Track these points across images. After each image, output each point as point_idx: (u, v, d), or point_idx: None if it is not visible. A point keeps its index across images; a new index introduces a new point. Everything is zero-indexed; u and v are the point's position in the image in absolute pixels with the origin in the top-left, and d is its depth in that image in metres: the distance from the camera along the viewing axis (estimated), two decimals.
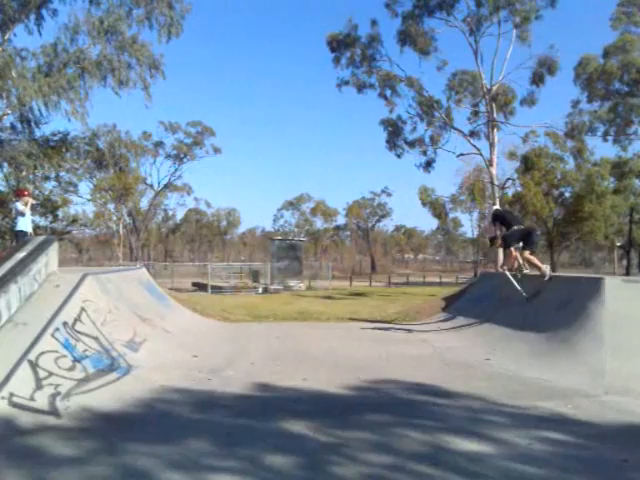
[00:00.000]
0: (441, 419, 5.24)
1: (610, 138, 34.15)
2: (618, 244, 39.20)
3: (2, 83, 22.45)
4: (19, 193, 12.56)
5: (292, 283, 32.12)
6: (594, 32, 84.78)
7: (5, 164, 28.96)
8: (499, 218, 11.37)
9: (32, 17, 24.49)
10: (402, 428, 4.94)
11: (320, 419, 5.20)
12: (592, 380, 6.51)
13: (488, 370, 7.72)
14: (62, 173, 31.69)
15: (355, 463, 4.12)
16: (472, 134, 33.08)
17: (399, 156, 34.05)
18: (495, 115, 30.60)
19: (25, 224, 11.64)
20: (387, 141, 33.99)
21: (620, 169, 43.42)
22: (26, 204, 11.77)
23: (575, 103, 33.78)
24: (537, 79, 30.95)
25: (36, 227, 12.40)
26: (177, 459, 4.15)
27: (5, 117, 26.25)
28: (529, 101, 32.05)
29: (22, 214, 11.65)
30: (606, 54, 31.93)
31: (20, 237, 11.15)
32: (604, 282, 8.24)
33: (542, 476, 3.94)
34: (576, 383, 6.54)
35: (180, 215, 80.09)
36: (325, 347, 9.69)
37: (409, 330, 12.01)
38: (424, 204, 59.90)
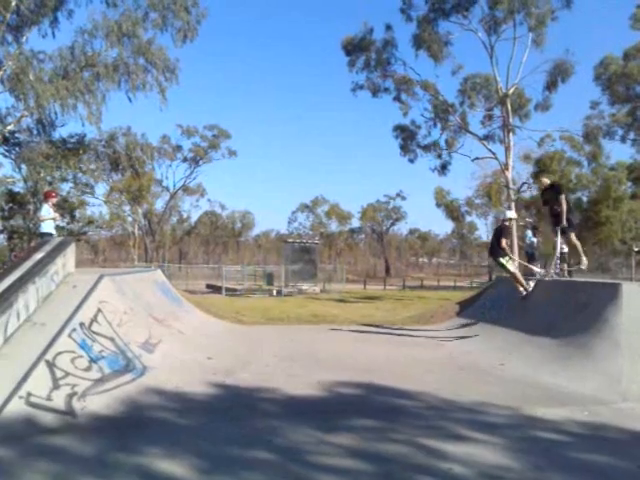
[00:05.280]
0: (453, 426, 5.21)
1: (629, 141, 33.89)
2: (635, 249, 38.69)
3: (20, 86, 22.71)
4: (47, 195, 12.38)
5: (306, 286, 32.17)
6: (613, 32, 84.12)
7: (23, 165, 29.35)
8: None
9: (47, 21, 24.78)
10: (413, 436, 4.93)
11: (334, 422, 5.22)
12: (609, 387, 6.44)
13: (503, 375, 7.67)
14: (79, 175, 32.03)
15: (366, 469, 4.12)
16: (487, 138, 32.96)
17: (412, 161, 34.00)
18: (511, 119, 30.42)
19: (50, 226, 11.60)
20: (401, 147, 33.93)
21: (636, 173, 42.95)
22: (53, 206, 11.80)
23: (595, 104, 33.55)
24: (551, 85, 30.80)
25: (56, 228, 12.35)
26: (190, 461, 4.18)
27: (23, 119, 26.59)
28: (543, 106, 31.91)
29: (53, 219, 11.64)
30: (626, 56, 31.62)
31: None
32: (621, 287, 8.15)
33: None
34: (593, 389, 6.48)
35: (195, 217, 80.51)
36: (339, 350, 9.68)
37: (423, 334, 11.96)
38: (439, 205, 59.81)
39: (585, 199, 45.10)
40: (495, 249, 10.75)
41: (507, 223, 11.38)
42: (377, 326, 13.77)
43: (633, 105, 32.30)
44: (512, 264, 10.83)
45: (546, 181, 11.52)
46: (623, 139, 34.21)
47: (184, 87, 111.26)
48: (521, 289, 10.68)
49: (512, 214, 11.89)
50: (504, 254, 10.62)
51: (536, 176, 37.85)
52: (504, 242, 10.67)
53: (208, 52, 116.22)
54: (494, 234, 11.38)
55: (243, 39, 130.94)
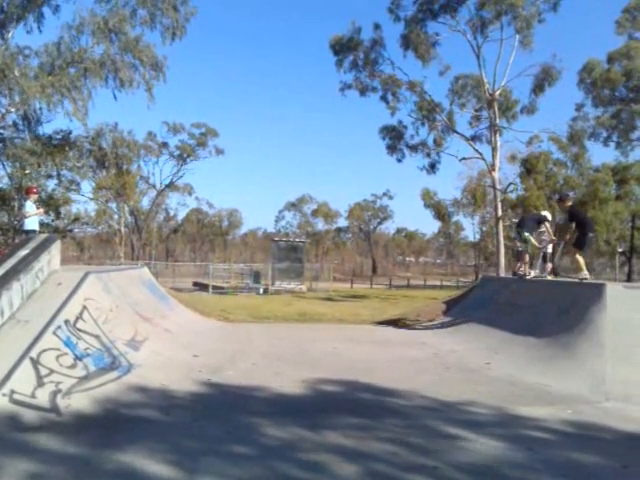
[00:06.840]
0: (438, 424, 5.23)
1: (612, 143, 34.29)
2: (620, 250, 39.11)
3: (5, 81, 22.44)
4: (28, 191, 12.20)
5: (293, 284, 32.13)
6: (597, 35, 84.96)
7: (8, 162, 29.01)
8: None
9: (32, 16, 24.50)
10: (399, 435, 4.95)
11: (319, 420, 5.23)
12: (593, 386, 6.50)
13: (489, 374, 7.71)
14: (64, 171, 31.69)
15: (349, 469, 4.12)
16: (474, 138, 33.15)
17: (400, 160, 34.07)
18: (497, 120, 30.59)
19: (34, 223, 11.44)
20: (388, 147, 33.98)
21: (620, 175, 43.46)
22: (35, 202, 11.69)
23: (579, 107, 33.90)
24: (537, 89, 31.11)
25: (41, 225, 12.21)
26: (175, 458, 4.15)
27: (8, 115, 26.28)
28: (529, 109, 32.22)
29: (37, 215, 11.49)
30: (610, 60, 31.94)
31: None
32: (606, 288, 8.23)
33: None
34: (577, 389, 6.53)
35: (182, 215, 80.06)
36: (325, 349, 9.68)
37: (410, 333, 12.00)
38: (427, 206, 60.11)
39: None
40: (527, 226, 11.91)
41: (544, 219, 12.52)
42: (364, 325, 13.80)
43: (617, 108, 32.66)
44: (529, 246, 11.90)
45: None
46: (606, 141, 34.61)
47: (173, 85, 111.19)
48: (522, 270, 11.95)
49: (548, 214, 13.30)
50: (532, 233, 11.84)
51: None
52: (543, 228, 12.30)
53: (198, 50, 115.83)
54: (533, 217, 13.30)
55: (233, 38, 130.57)
